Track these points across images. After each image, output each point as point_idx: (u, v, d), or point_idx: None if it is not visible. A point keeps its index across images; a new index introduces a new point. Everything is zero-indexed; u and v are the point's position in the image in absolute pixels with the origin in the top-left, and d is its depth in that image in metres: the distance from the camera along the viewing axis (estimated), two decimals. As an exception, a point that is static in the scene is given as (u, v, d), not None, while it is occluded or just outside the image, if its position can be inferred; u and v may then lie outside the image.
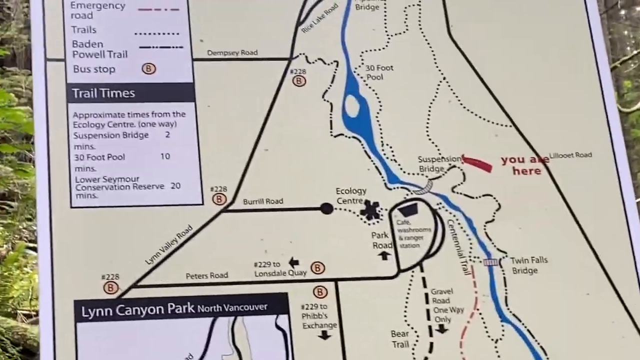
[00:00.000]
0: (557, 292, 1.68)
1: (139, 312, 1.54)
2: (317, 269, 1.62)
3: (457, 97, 1.77)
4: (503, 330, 1.63)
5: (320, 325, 1.58)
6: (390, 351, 1.59)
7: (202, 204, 1.62)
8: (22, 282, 10.74)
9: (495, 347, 1.62)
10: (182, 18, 1.74)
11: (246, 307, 1.57)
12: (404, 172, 1.71)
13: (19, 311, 10.06)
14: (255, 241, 1.62)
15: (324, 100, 1.73)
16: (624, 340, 1.66)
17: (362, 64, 1.77)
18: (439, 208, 1.69)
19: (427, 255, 1.66)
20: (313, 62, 1.75)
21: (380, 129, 1.73)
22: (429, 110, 1.75)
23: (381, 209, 1.67)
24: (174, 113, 1.68)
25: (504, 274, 1.67)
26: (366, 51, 1.78)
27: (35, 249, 12.37)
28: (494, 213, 1.70)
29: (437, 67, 1.79)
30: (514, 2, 1.88)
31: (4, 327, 8.83)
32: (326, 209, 1.66)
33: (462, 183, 1.72)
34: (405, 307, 1.62)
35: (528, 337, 1.63)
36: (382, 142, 1.72)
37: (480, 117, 1.77)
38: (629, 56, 11.95)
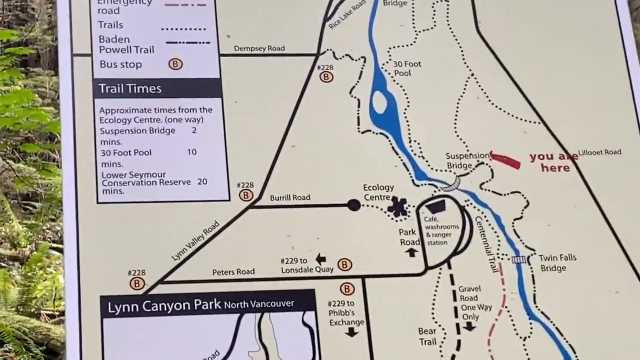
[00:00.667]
0: (586, 290, 1.66)
1: (165, 308, 1.54)
2: (344, 266, 1.61)
3: (485, 93, 1.76)
4: (531, 328, 1.61)
5: (347, 322, 1.57)
6: (418, 349, 1.58)
7: (229, 200, 1.62)
8: (46, 282, 10.85)
9: (524, 344, 1.61)
10: (209, 13, 1.73)
11: (273, 304, 1.57)
12: (432, 168, 1.70)
13: (42, 311, 10.15)
14: (282, 237, 1.61)
15: (352, 96, 1.72)
16: None
17: (390, 60, 1.76)
18: (467, 205, 1.68)
19: (455, 253, 1.65)
20: (340, 58, 1.75)
21: (408, 126, 1.72)
22: (457, 107, 1.74)
23: (409, 205, 1.67)
24: (200, 109, 1.67)
25: (532, 271, 1.65)
26: (394, 47, 1.77)
27: (59, 250, 12.45)
28: (523, 210, 1.69)
29: (465, 63, 1.78)
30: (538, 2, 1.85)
31: (28, 327, 8.89)
32: (353, 205, 1.65)
33: (490, 180, 1.70)
34: (433, 304, 1.61)
35: (557, 335, 1.62)
36: (409, 138, 1.71)
37: (508, 113, 1.76)
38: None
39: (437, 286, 1.62)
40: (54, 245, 12.94)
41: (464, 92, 1.76)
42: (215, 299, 1.56)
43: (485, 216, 1.67)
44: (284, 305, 1.57)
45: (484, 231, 1.67)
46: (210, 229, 1.59)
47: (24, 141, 13.05)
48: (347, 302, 1.59)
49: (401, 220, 1.65)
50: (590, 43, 1.85)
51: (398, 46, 1.78)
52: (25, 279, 10.60)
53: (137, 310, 1.53)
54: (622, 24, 1.87)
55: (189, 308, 1.55)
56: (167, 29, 1.72)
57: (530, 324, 1.62)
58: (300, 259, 1.61)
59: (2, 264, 11.93)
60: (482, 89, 1.76)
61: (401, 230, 1.65)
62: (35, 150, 8.59)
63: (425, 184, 1.69)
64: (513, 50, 1.81)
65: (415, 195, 1.68)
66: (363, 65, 1.75)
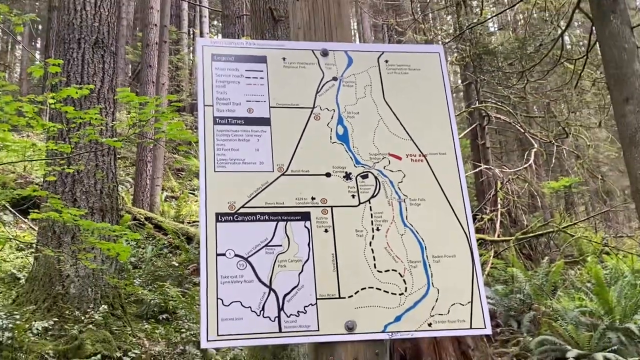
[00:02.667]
0: (429, 213, 1.71)
1: (244, 219, 1.59)
2: (324, 202, 1.66)
3: (387, 126, 1.79)
4: (405, 230, 1.67)
5: (324, 226, 1.63)
6: (354, 239, 1.63)
7: (273, 171, 1.66)
8: (186, 208, 11.02)
9: (401, 237, 1.66)
10: (264, 88, 1.76)
11: (292, 217, 1.62)
12: (363, 159, 1.73)
13: (184, 221, 10.19)
14: (296, 189, 1.66)
15: (328, 126, 1.75)
16: (457, 235, 1.70)
17: (345, 110, 1.78)
18: (378, 175, 1.72)
19: (372, 196, 1.69)
20: (323, 110, 1.77)
21: (353, 140, 1.75)
22: (374, 132, 1.77)
23: (352, 175, 1.71)
24: (260, 131, 1.70)
25: (406, 205, 1.70)
26: (347, 105, 1.79)
27: (192, 194, 12.44)
28: (402, 179, 1.73)
29: (378, 113, 1.80)
30: (409, 83, 1.86)
31: (178, 227, 9.01)
32: (328, 175, 1.69)
33: (388, 165, 1.74)
34: (362, 218, 1.66)
35: (416, 234, 1.67)
36: (353, 145, 1.74)
37: (396, 135, 1.78)
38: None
39: (364, 211, 1.67)
40: (190, 192, 12.88)
41: (377, 126, 1.78)
42: (266, 215, 1.61)
43: (386, 181, 1.72)
44: (296, 218, 1.62)
45: (385, 188, 1.72)
46: (264, 184, 1.64)
47: (178, 145, 13.15)
48: (324, 218, 1.64)
49: (349, 182, 1.70)
50: (435, 103, 1.86)
51: (349, 104, 1.79)
52: (177, 206, 10.79)
53: (232, 219, 1.59)
54: (447, 96, 1.87)
55: (254, 219, 1.60)
56: (246, 94, 1.75)
57: (405, 229, 1.67)
58: (304, 198, 1.65)
59: (167, 200, 11.93)
60: (385, 125, 1.79)
61: (349, 187, 1.69)
62: (184, 149, 8.77)
63: (360, 166, 1.72)
64: (399, 107, 1.82)
65: (355, 171, 1.71)
66: (333, 113, 1.77)
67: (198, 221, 10.37)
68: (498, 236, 9.33)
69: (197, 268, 7.74)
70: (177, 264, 7.63)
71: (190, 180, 14.33)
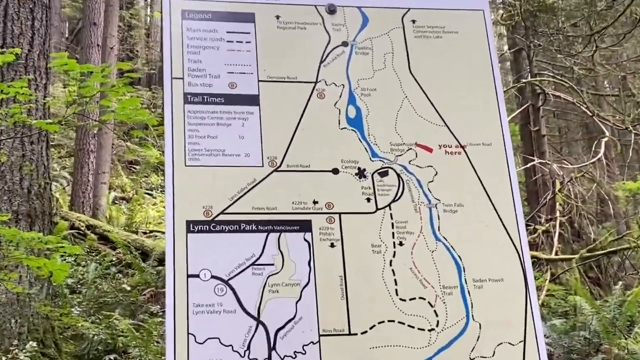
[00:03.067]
0: (469, 224, 1.73)
1: (223, 229, 1.60)
2: (329, 207, 1.67)
3: (413, 108, 1.81)
4: (436, 246, 1.69)
5: (330, 239, 1.64)
6: (371, 256, 1.65)
7: (262, 166, 1.68)
8: (141, 213, 11.29)
9: (432, 255, 1.68)
10: (253, 56, 1.78)
11: (287, 227, 1.63)
12: (381, 151, 1.75)
13: (139, 230, 10.36)
14: (293, 189, 1.68)
15: (335, 107, 1.77)
16: (506, 253, 1.72)
17: (358, 86, 1.80)
18: (401, 173, 1.74)
19: (394, 200, 1.71)
20: (329, 85, 1.79)
21: (368, 126, 1.77)
22: (397, 115, 1.79)
23: (367, 172, 1.73)
24: (246, 112, 1.72)
25: (438, 213, 1.72)
26: (360, 79, 1.81)
27: (149, 194, 12.63)
28: (433, 177, 1.75)
29: (402, 90, 1.82)
30: (445, 53, 1.88)
31: (131, 239, 9.18)
32: (335, 171, 1.71)
33: (415, 158, 1.76)
34: (380, 230, 1.68)
35: (451, 250, 1.69)
36: (369, 133, 1.76)
37: (426, 119, 1.81)
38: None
39: (382, 220, 1.69)
40: (147, 192, 13.09)
41: (401, 107, 1.80)
42: (253, 224, 1.62)
43: (411, 180, 1.74)
44: (293, 228, 1.64)
45: (410, 189, 1.74)
46: (251, 183, 1.66)
47: (131, 129, 13.43)
48: (330, 228, 1.66)
49: (363, 181, 1.72)
50: (476, 79, 1.88)
51: (363, 78, 1.81)
52: (129, 211, 11.12)
53: (207, 229, 1.60)
54: (494, 69, 1.89)
55: (237, 228, 1.61)
56: (228, 64, 1.76)
57: (436, 243, 1.69)
58: (303, 202, 1.67)
59: (116, 202, 12.11)
60: (411, 105, 1.81)
61: (362, 187, 1.71)
62: (139, 134, 8.84)
63: (377, 160, 1.74)
64: (430, 82, 1.84)
65: (371, 167, 1.74)
66: (342, 89, 1.79)
67: (158, 231, 10.43)
68: (556, 253, 9.36)
69: (155, 293, 7.76)
70: (129, 288, 7.66)
71: (147, 177, 14.44)
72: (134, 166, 14.98)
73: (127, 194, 13.20)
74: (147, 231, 10.49)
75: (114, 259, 8.68)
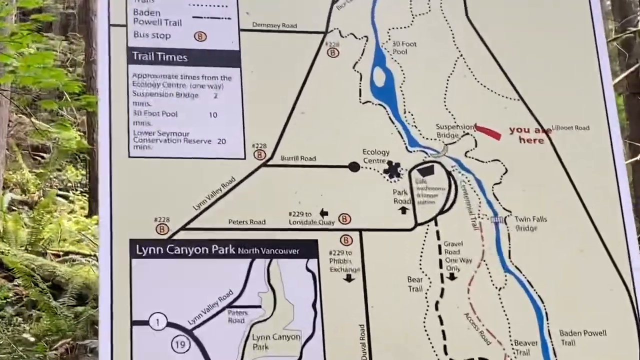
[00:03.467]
0: (555, 248, 1.73)
1: (186, 252, 1.60)
2: (344, 220, 1.67)
3: (472, 72, 1.82)
4: (506, 280, 1.69)
5: (345, 270, 1.64)
6: (406, 295, 1.65)
7: (245, 159, 1.68)
8: (52, 225, 10.99)
9: (499, 294, 1.68)
10: None
11: (281, 251, 1.63)
12: (423, 137, 1.76)
13: (48, 251, 10.19)
14: (290, 193, 1.68)
15: (355, 70, 1.78)
16: (612, 293, 1.72)
17: (389, 39, 1.81)
18: (453, 170, 1.75)
19: (441, 211, 1.72)
20: (345, 37, 1.80)
21: (404, 98, 1.77)
22: (447, 83, 1.80)
23: (402, 169, 1.73)
24: (221, 77, 1.73)
25: (508, 230, 1.72)
26: (393, 28, 1.82)
27: (64, 197, 12.57)
28: (502, 176, 1.76)
29: (455, 45, 1.83)
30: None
31: (36, 264, 8.98)
32: (353, 167, 1.71)
33: (474, 149, 1.77)
34: (421, 256, 1.68)
35: (528, 287, 1.69)
36: (404, 109, 1.77)
37: (491, 90, 1.81)
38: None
39: (424, 240, 1.69)
40: (60, 192, 12.98)
41: (453, 70, 1.81)
42: (230, 245, 1.62)
43: (468, 180, 1.75)
44: (290, 252, 1.64)
45: (467, 194, 1.74)
46: (227, 184, 1.66)
47: (36, 99, 13.12)
48: (346, 251, 1.65)
49: (395, 181, 1.72)
50: (565, 28, 1.90)
51: (397, 27, 1.82)
52: (34, 222, 10.79)
53: (162, 252, 1.59)
54: (593, 9, 1.91)
55: (207, 252, 1.61)
56: (193, 5, 1.77)
57: (505, 276, 1.69)
58: (306, 213, 1.67)
59: (13, 208, 11.94)
60: (469, 68, 1.82)
61: (395, 191, 1.71)
62: (53, 106, 8.70)
63: (417, 151, 1.75)
64: (497, 34, 1.86)
65: (408, 160, 1.74)
66: (365, 44, 1.80)
67: (78, 253, 10.32)
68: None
69: (73, 347, 7.69)
70: (32, 339, 7.62)
71: (60, 170, 14.28)
72: (42, 154, 14.76)
73: (30, 196, 13.03)
74: (61, 253, 10.30)
75: (10, 294, 8.59)
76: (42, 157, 14.55)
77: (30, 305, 8.45)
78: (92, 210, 12.06)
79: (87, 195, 13.11)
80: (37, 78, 3.79)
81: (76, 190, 13.63)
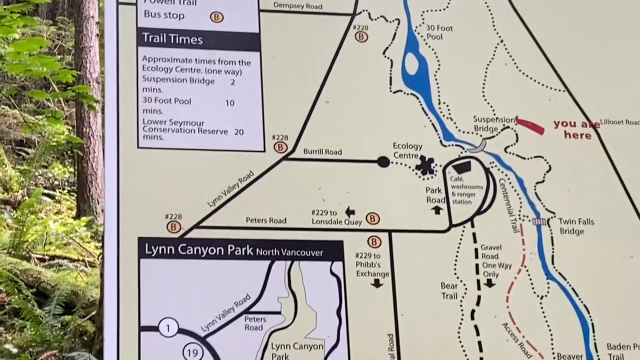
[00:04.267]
0: (603, 254, 1.70)
1: (199, 252, 1.58)
2: (372, 220, 1.64)
3: (513, 60, 1.79)
4: (549, 288, 1.65)
5: (373, 274, 1.61)
6: (440, 302, 1.62)
7: (264, 151, 1.66)
8: (37, 227, 10.92)
9: (541, 303, 1.64)
10: None
11: (303, 253, 1.61)
12: (459, 130, 1.73)
13: (33, 255, 10.16)
14: (314, 190, 1.65)
15: (385, 56, 1.76)
16: None
17: (423, 23, 1.79)
18: (492, 167, 1.72)
19: (479, 212, 1.69)
20: (375, 19, 1.78)
21: (438, 88, 1.75)
22: (486, 72, 1.78)
23: (436, 164, 1.70)
24: (239, 62, 1.71)
25: (551, 233, 1.69)
26: (427, 11, 1.81)
27: (50, 196, 12.52)
28: (545, 174, 1.73)
29: (495, 30, 1.81)
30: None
31: (19, 269, 8.95)
32: (383, 162, 1.69)
33: (514, 144, 1.74)
34: (455, 260, 1.65)
35: (572, 296, 1.65)
36: (439, 100, 1.75)
37: (534, 80, 1.79)
38: None
39: (460, 243, 1.66)
40: (46, 191, 12.94)
41: (492, 58, 1.79)
42: (248, 246, 1.59)
43: (508, 178, 1.71)
44: (313, 254, 1.61)
45: (506, 193, 1.70)
46: (245, 178, 1.63)
47: (20, 89, 13.14)
48: (374, 254, 1.62)
49: (428, 178, 1.69)
50: (616, 15, 1.88)
51: (431, 10, 1.81)
52: (17, 223, 10.76)
53: (173, 252, 1.57)
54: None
55: (222, 253, 1.58)
56: None
57: (548, 283, 1.65)
58: (330, 211, 1.64)
59: (-6, 208, 11.90)
60: (510, 56, 1.80)
61: (428, 189, 1.69)
62: (44, 97, 8.64)
63: (452, 145, 1.72)
64: (541, 19, 1.84)
65: (442, 155, 1.72)
66: (397, 27, 1.78)
67: (65, 258, 10.27)
68: None
69: (64, 358, 7.65)
70: (15, 350, 7.57)
71: (46, 167, 14.23)
72: (25, 149, 14.74)
73: (13, 194, 12.98)
74: (47, 257, 10.16)
75: (-8, 301, 8.59)
76: (27, 153, 14.53)
77: (13, 313, 8.33)
78: (81, 211, 12.05)
79: (75, 195, 12.90)
80: (28, 66, 3.76)
81: (63, 189, 13.44)
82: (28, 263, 9.36)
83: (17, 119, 13.88)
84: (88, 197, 11.95)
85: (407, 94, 1.72)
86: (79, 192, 12.44)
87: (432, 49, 1.75)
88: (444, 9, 1.79)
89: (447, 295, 1.61)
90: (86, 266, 9.77)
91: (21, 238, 10.30)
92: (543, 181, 1.70)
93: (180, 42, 1.68)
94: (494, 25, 1.79)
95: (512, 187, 1.69)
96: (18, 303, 8.09)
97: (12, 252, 9.85)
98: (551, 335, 1.60)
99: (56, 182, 13.50)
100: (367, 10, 1.76)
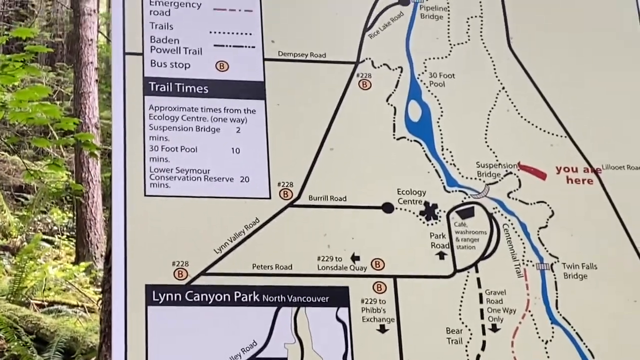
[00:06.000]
0: (606, 298, 1.74)
1: (206, 299, 1.61)
2: (377, 265, 1.68)
3: (515, 106, 1.84)
4: (553, 332, 1.69)
5: (378, 319, 1.65)
6: (445, 347, 1.66)
7: (270, 198, 1.69)
8: (36, 273, 10.83)
9: (545, 348, 1.68)
10: (255, 19, 1.81)
11: (309, 299, 1.64)
12: (463, 176, 1.78)
13: (32, 301, 10.11)
14: (319, 236, 1.69)
15: (388, 104, 1.80)
16: None
17: (425, 70, 1.84)
18: (495, 212, 1.76)
19: (483, 257, 1.73)
20: (378, 67, 1.82)
21: (441, 134, 1.80)
22: (488, 118, 1.82)
23: (440, 210, 1.75)
24: (245, 110, 1.75)
25: (555, 278, 1.73)
26: (429, 59, 1.85)
27: (49, 241, 12.44)
28: (548, 219, 1.77)
29: (496, 77, 1.86)
30: (571, 17, 1.93)
31: (18, 315, 8.90)
32: (387, 208, 1.73)
33: (517, 189, 1.78)
34: (460, 305, 1.69)
35: (577, 340, 1.69)
36: (442, 146, 1.79)
37: (536, 126, 1.83)
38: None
39: (464, 288, 1.70)
40: (45, 236, 12.85)
41: (494, 105, 1.83)
42: (254, 292, 1.63)
43: (512, 224, 1.76)
44: (319, 300, 1.64)
45: (510, 238, 1.75)
46: (250, 225, 1.67)
47: (18, 134, 13.10)
48: (379, 300, 1.66)
49: (432, 224, 1.74)
50: (616, 61, 1.92)
51: (433, 58, 1.85)
52: (16, 269, 10.68)
53: (180, 299, 1.60)
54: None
55: (229, 299, 1.62)
56: (214, 32, 1.79)
57: (552, 328, 1.70)
58: (336, 257, 1.68)
59: (-7, 255, 11.83)
60: (512, 102, 1.84)
61: (432, 234, 1.73)
62: (46, 145, 8.66)
63: (455, 191, 1.77)
64: (542, 66, 1.88)
65: (446, 201, 1.76)
66: (400, 75, 1.83)
67: (64, 304, 10.20)
68: None
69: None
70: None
71: (45, 213, 14.13)
72: (24, 195, 14.64)
73: (12, 240, 12.98)
74: (46, 303, 10.16)
75: (-9, 349, 8.54)
76: (25, 198, 14.46)
77: (12, 360, 8.46)
78: (80, 256, 12.05)
79: (74, 240, 12.97)
80: (30, 114, 3.81)
81: (62, 234, 13.45)
82: (27, 309, 9.33)
83: (17, 165, 13.82)
84: (87, 242, 11.99)
85: (411, 141, 1.76)
86: (78, 237, 12.47)
87: (435, 96, 1.79)
88: (446, 57, 1.83)
89: (452, 341, 1.64)
90: (85, 312, 9.75)
91: (20, 284, 10.32)
92: (546, 226, 1.74)
93: (187, 91, 1.72)
94: (495, 73, 1.83)
95: (516, 232, 1.73)
96: (17, 349, 8.10)
97: (12, 298, 9.85)
98: (556, 380, 1.65)
99: (55, 228, 13.42)
100: (370, 59, 1.80)
